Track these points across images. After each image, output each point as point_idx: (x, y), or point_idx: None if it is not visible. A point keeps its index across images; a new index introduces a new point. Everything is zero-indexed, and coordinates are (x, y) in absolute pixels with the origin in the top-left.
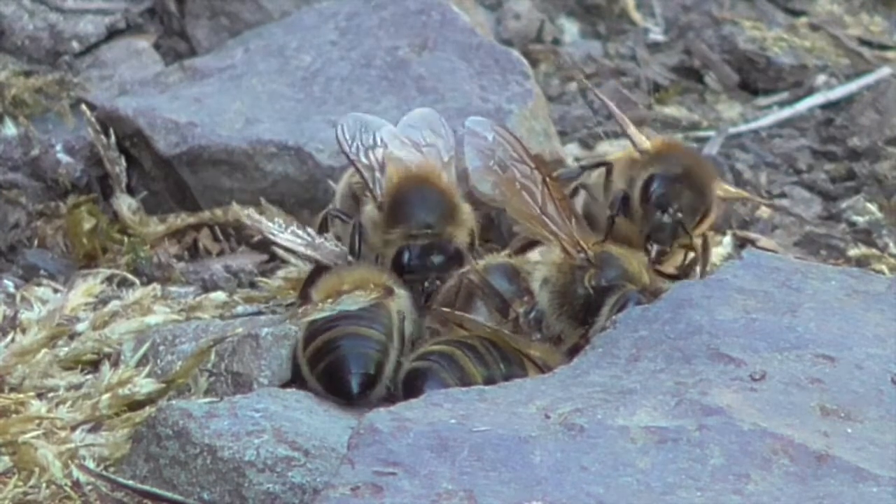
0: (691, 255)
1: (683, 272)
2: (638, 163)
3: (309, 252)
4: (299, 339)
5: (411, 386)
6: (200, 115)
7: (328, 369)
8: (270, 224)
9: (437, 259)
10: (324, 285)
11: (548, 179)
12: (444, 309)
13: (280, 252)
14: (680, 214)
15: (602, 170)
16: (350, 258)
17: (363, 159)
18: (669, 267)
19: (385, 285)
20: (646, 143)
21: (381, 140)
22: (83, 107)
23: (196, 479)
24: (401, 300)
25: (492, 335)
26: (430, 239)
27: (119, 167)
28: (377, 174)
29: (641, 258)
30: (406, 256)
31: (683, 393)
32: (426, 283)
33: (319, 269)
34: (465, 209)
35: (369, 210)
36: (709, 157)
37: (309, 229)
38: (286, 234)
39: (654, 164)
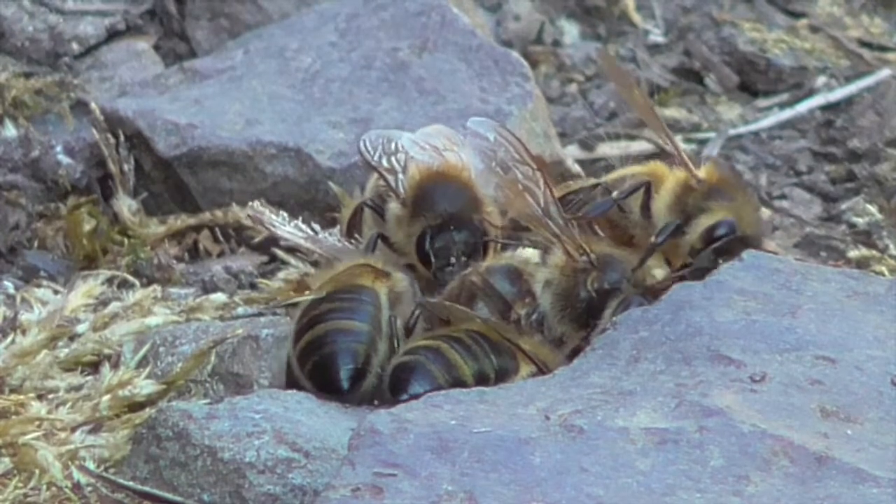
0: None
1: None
2: (695, 193)
3: (309, 245)
4: (290, 338)
5: (397, 380)
6: (200, 117)
7: (317, 367)
8: (273, 216)
9: (458, 236)
10: (320, 275)
11: (549, 181)
12: (432, 300)
13: (280, 253)
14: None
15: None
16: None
17: (385, 164)
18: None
19: (379, 269)
20: (700, 171)
21: (402, 146)
22: (92, 105)
23: (196, 481)
24: (399, 284)
25: (481, 327)
26: (450, 220)
27: (128, 165)
28: (400, 176)
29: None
30: (427, 239)
31: (683, 394)
32: (452, 263)
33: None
34: (489, 203)
35: (393, 207)
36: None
37: (313, 224)
38: (288, 226)
39: (717, 203)
